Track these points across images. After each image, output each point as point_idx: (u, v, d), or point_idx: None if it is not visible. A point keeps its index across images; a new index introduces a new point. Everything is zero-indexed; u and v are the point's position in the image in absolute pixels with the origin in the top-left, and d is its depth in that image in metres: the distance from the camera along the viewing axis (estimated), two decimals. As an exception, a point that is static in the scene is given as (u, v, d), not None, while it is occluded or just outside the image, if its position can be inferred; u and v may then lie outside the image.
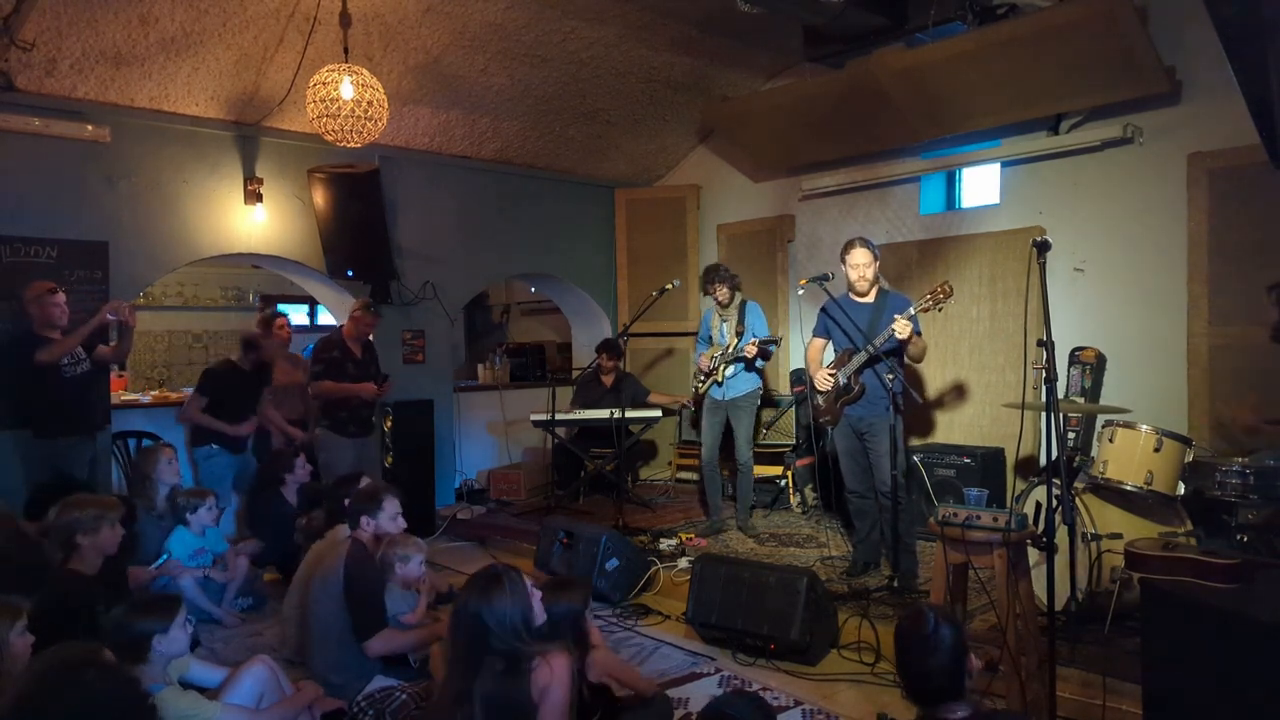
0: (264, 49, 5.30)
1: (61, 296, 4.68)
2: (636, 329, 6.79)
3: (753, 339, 5.42)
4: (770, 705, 2.88)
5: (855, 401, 4.64)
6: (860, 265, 4.65)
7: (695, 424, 6.09)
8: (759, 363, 5.56)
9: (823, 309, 4.88)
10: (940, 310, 4.57)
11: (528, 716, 2.43)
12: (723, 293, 5.57)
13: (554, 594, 2.94)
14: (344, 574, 3.39)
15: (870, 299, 4.70)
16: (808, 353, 5.07)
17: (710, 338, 5.75)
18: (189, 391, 5.79)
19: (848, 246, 4.70)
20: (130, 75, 5.20)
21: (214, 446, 5.38)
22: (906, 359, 4.66)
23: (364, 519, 3.69)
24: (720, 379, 5.56)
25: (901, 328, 4.36)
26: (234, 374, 5.47)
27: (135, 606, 2.84)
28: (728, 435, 5.70)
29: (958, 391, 6.13)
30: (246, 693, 3.02)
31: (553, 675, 2.45)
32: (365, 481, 4.21)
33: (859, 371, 4.61)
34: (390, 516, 3.74)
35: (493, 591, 2.46)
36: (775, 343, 5.58)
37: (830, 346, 4.93)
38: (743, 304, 5.65)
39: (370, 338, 5.93)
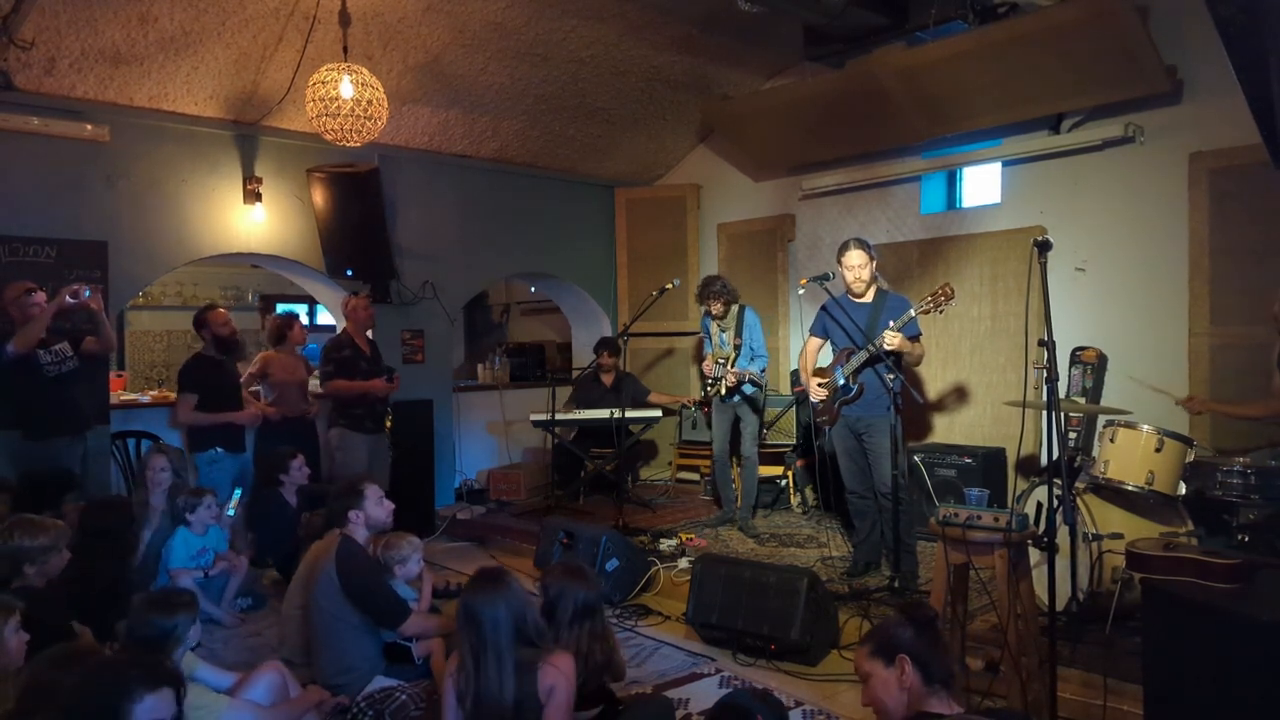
0: (263, 48, 5.29)
1: (41, 296, 4.60)
2: (637, 329, 6.77)
3: (732, 372, 5.52)
4: (782, 703, 2.89)
5: (854, 401, 4.64)
6: (855, 267, 4.64)
7: (708, 424, 6.15)
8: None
9: (823, 308, 4.88)
10: (941, 313, 4.56)
11: (534, 715, 2.46)
12: (716, 307, 5.65)
13: (572, 580, 2.95)
14: (335, 570, 3.35)
15: (869, 299, 4.70)
16: (803, 351, 5.07)
17: (711, 340, 5.80)
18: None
19: (842, 249, 4.70)
20: (129, 74, 5.19)
21: (218, 450, 5.31)
22: (904, 363, 4.65)
23: (351, 513, 3.66)
24: (723, 390, 5.63)
25: (891, 340, 4.37)
26: (205, 362, 5.39)
27: (148, 604, 2.84)
28: (736, 431, 5.77)
29: (958, 391, 6.12)
30: (259, 697, 3.03)
31: (559, 674, 2.49)
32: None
33: (858, 371, 4.60)
34: (375, 501, 3.62)
35: (499, 591, 2.51)
36: (757, 385, 5.63)
37: (829, 346, 4.92)
38: (741, 311, 5.69)
39: (369, 334, 5.92)
